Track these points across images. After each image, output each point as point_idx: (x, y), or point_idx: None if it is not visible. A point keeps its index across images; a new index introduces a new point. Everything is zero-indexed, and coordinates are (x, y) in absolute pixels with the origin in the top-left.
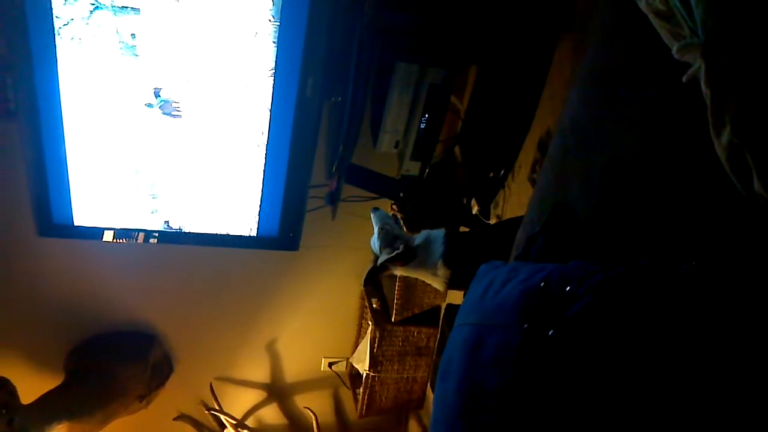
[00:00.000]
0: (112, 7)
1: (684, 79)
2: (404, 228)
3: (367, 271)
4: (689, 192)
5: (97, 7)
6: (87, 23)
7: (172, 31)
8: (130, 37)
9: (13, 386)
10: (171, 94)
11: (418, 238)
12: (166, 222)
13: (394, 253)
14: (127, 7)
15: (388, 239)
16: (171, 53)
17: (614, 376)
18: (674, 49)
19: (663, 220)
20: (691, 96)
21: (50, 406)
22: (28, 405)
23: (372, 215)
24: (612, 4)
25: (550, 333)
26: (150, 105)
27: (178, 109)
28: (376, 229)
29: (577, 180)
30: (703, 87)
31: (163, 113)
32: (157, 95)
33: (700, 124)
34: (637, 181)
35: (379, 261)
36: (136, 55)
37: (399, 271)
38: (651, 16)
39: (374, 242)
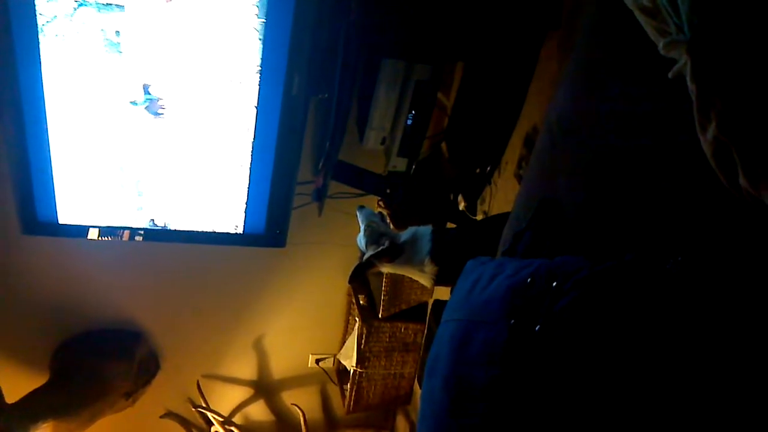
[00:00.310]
0: (96, 4)
1: (670, 75)
2: (391, 225)
3: (353, 268)
4: (675, 187)
5: (81, 4)
6: (71, 20)
7: (156, 29)
8: (114, 34)
9: None
10: (156, 92)
11: (405, 234)
12: (152, 220)
13: (380, 249)
14: (111, 4)
15: (374, 236)
16: (155, 50)
17: (601, 370)
18: (660, 46)
19: (649, 215)
20: (676, 92)
21: (35, 404)
22: (12, 404)
23: (358, 213)
24: (598, 1)
25: (536, 328)
26: (134, 103)
27: (162, 107)
28: (362, 227)
29: (563, 176)
30: (689, 83)
31: (149, 112)
32: (146, 91)
33: (686, 120)
34: (623, 176)
35: (365, 257)
36: (120, 52)
37: (386, 269)
38: (637, 13)
39: (360, 240)
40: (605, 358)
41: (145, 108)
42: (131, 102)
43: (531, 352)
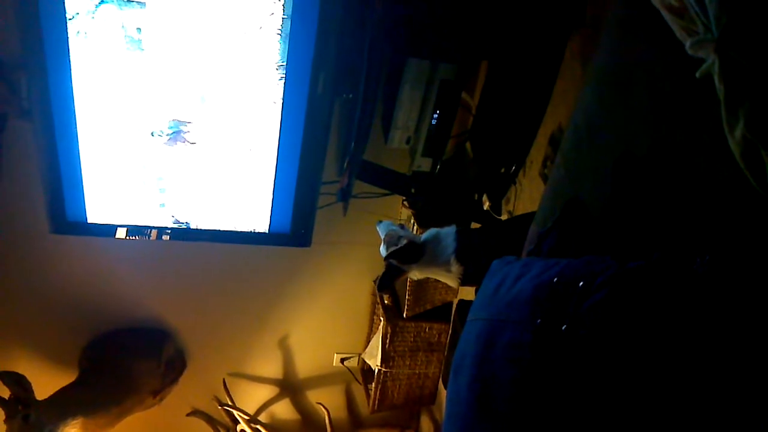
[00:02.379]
0: (118, 0)
1: (697, 74)
2: (415, 225)
3: (380, 277)
4: (702, 187)
5: (102, 1)
6: (93, 17)
7: (178, 26)
8: (136, 31)
9: (29, 382)
10: (184, 116)
11: (425, 235)
12: (177, 220)
13: (398, 248)
14: (132, 1)
15: (393, 241)
16: (178, 48)
17: (627, 371)
18: (687, 45)
19: (676, 215)
20: (704, 92)
21: (65, 401)
22: (43, 401)
23: (377, 227)
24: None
25: (563, 328)
26: (158, 133)
27: (188, 135)
28: (382, 238)
29: (589, 175)
30: (716, 83)
31: (176, 140)
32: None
33: (714, 119)
34: (650, 176)
35: (384, 257)
36: (142, 49)
37: (414, 273)
38: (664, 12)
39: (383, 250)
40: (632, 358)
41: (169, 136)
42: (154, 133)
43: (557, 351)
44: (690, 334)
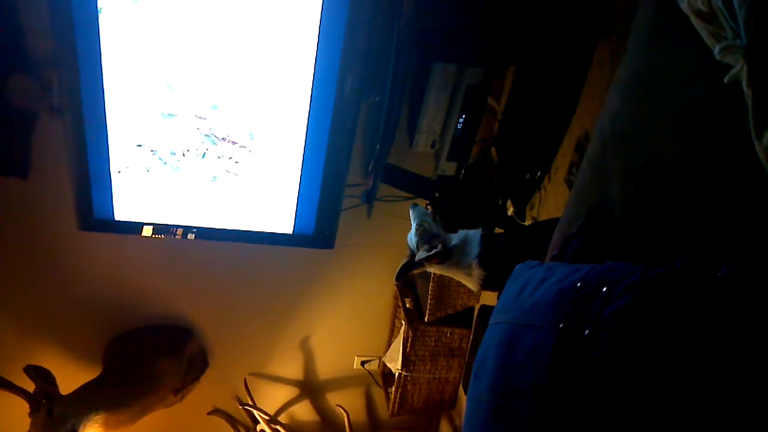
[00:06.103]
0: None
1: (726, 80)
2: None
3: (400, 266)
4: (729, 193)
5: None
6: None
7: (212, 29)
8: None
9: (53, 377)
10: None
11: (456, 238)
12: (202, 223)
13: (432, 252)
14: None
15: (426, 237)
16: (210, 52)
17: (649, 378)
18: (716, 51)
19: (702, 221)
20: (732, 98)
21: (88, 397)
22: (67, 395)
23: (411, 211)
24: (653, 5)
25: (585, 333)
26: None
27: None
28: (414, 225)
29: (615, 181)
30: (744, 89)
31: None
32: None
33: (741, 125)
34: (676, 182)
35: (417, 258)
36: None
37: (433, 269)
38: (693, 17)
39: (411, 238)
40: (654, 365)
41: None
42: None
43: (579, 356)
44: (713, 342)
